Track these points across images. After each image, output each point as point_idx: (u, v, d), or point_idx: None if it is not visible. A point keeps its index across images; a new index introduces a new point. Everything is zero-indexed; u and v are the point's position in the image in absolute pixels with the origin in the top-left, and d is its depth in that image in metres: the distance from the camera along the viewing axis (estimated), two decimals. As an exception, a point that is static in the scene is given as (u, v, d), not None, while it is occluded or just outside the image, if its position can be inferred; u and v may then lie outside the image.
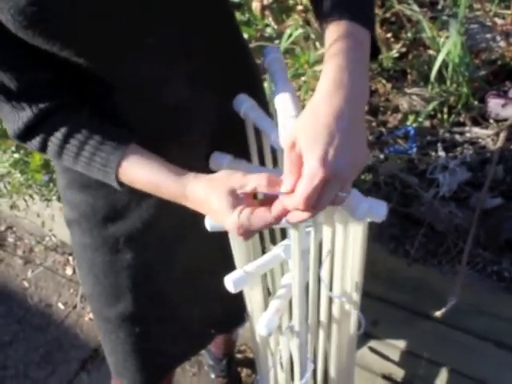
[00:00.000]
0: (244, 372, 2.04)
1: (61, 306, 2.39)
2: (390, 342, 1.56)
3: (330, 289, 0.97)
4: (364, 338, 1.58)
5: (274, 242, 1.08)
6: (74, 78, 0.82)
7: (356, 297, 0.98)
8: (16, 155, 1.66)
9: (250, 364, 2.06)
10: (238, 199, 0.70)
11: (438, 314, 1.19)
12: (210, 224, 0.90)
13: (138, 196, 0.95)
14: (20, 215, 2.34)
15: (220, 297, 1.18)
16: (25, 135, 0.83)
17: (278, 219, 0.68)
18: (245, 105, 0.90)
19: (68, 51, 0.76)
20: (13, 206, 1.79)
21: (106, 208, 0.98)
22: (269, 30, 1.73)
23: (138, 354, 1.13)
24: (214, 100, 0.90)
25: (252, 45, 1.72)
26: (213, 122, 0.92)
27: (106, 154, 0.80)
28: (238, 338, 1.89)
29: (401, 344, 1.54)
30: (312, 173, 0.61)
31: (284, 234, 1.06)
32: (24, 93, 0.80)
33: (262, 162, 1.01)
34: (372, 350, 1.62)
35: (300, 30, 1.64)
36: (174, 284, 1.10)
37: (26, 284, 2.52)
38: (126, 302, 1.07)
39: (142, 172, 0.80)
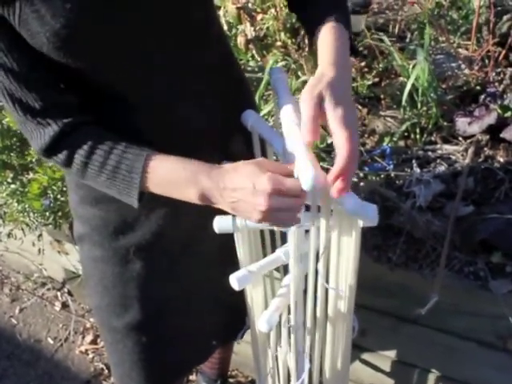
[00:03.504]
0: (236, 396, 2.07)
1: (50, 340, 2.40)
2: (379, 352, 1.62)
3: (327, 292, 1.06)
4: (354, 349, 1.63)
5: (273, 249, 1.16)
6: (92, 95, 0.90)
7: (350, 298, 1.06)
8: (13, 186, 1.73)
9: (242, 388, 2.09)
10: (263, 168, 0.78)
11: (421, 311, 1.27)
12: (217, 226, 0.99)
13: (147, 208, 1.02)
14: (10, 248, 2.37)
15: (222, 306, 1.24)
16: (51, 150, 0.88)
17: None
18: (251, 119, 1.01)
19: (92, 69, 0.85)
20: (10, 235, 1.84)
21: (117, 221, 1.04)
22: (252, 63, 1.85)
23: (144, 364, 1.18)
24: (216, 114, 1.00)
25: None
26: (217, 134, 1.01)
27: (130, 160, 0.85)
28: (230, 363, 1.93)
29: (388, 352, 1.60)
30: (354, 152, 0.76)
31: (284, 240, 1.14)
32: (48, 110, 0.86)
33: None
34: (362, 361, 1.68)
35: (282, 63, 1.77)
36: (181, 294, 1.16)
37: (14, 321, 2.52)
38: (133, 312, 1.12)
39: (165, 166, 0.85)
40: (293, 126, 0.86)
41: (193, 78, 0.95)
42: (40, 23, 0.77)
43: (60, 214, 1.69)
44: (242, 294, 1.19)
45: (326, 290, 1.05)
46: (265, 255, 1.12)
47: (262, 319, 1.01)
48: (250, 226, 1.00)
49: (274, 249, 1.15)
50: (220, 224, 1.00)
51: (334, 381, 1.23)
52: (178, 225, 1.06)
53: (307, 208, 0.94)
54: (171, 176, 0.84)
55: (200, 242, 1.11)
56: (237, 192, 0.79)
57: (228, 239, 1.08)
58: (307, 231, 0.97)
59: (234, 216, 0.98)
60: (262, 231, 1.13)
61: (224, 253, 1.14)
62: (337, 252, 0.98)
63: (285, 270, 1.25)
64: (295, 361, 1.16)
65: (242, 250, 1.08)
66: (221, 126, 1.01)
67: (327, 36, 0.86)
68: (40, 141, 0.87)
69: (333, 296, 1.06)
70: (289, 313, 1.10)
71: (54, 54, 0.81)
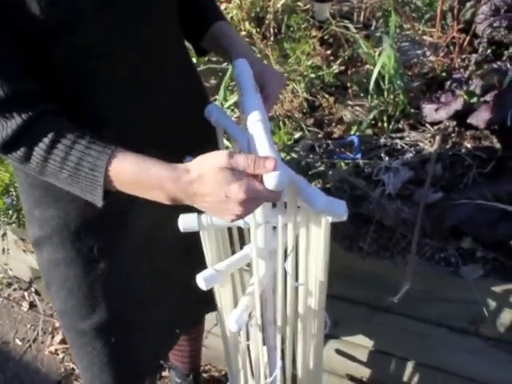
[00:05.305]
0: (210, 390, 2.05)
1: (18, 342, 2.34)
2: (352, 341, 1.62)
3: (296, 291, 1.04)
4: (327, 340, 1.63)
5: (242, 245, 1.13)
6: (60, 81, 0.87)
7: (321, 295, 1.04)
8: (-27, 185, 1.67)
9: (216, 382, 2.08)
10: (234, 174, 0.74)
11: (393, 299, 1.27)
12: (182, 224, 0.96)
13: (107, 205, 0.97)
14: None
15: (185, 295, 1.23)
16: (11, 144, 0.81)
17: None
18: (215, 113, 0.98)
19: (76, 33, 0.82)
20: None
21: (78, 220, 1.00)
22: (216, 54, 1.82)
23: (114, 364, 1.15)
24: (184, 101, 1.02)
25: (201, 68, 1.81)
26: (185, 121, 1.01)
27: (93, 158, 0.80)
28: (202, 358, 1.91)
29: (362, 342, 1.60)
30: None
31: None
32: (13, 100, 0.80)
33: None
34: (336, 351, 1.68)
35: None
36: (147, 289, 1.14)
37: (-20, 324, 2.45)
38: (100, 312, 1.08)
39: (129, 167, 0.80)
40: (257, 123, 0.83)
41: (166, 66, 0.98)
42: None
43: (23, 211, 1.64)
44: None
45: (296, 288, 1.03)
46: (233, 252, 1.10)
47: (231, 319, 0.98)
48: (216, 223, 0.98)
49: (242, 245, 1.12)
50: (185, 222, 0.97)
51: (307, 375, 1.22)
52: (140, 219, 1.04)
53: (274, 204, 0.92)
54: (136, 179, 0.80)
55: (163, 234, 1.09)
56: (208, 197, 0.76)
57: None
58: (274, 228, 0.95)
59: (199, 213, 0.96)
60: (229, 228, 1.10)
61: (188, 243, 1.11)
62: (305, 249, 0.96)
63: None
64: (267, 357, 1.14)
65: (208, 248, 1.04)
66: (188, 114, 1.02)
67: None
68: (1, 134, 0.80)
69: (303, 293, 1.04)
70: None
71: (42, 25, 0.78)
